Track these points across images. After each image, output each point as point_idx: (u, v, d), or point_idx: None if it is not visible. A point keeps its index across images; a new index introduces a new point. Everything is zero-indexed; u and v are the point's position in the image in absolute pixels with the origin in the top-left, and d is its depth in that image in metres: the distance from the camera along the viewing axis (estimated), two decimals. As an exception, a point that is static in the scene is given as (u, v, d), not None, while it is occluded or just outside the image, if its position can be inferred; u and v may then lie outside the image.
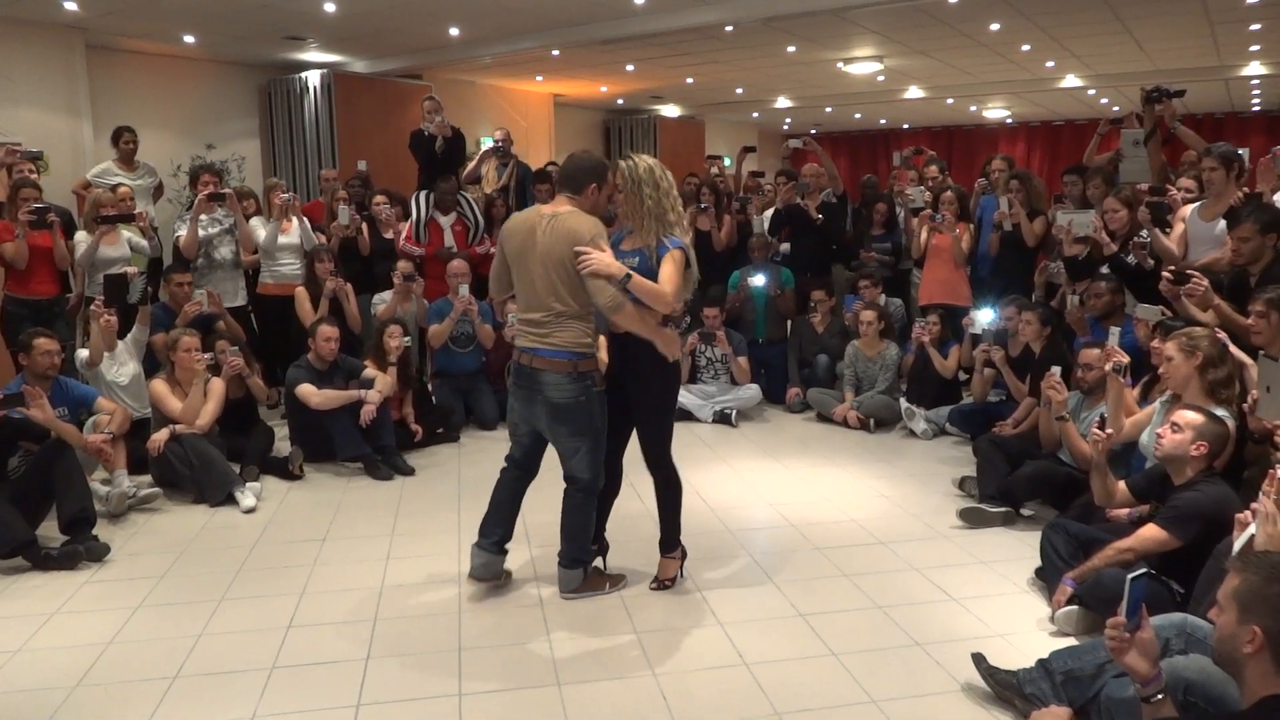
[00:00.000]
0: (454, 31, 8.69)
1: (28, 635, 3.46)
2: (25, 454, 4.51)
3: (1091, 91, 12.58)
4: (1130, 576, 2.23)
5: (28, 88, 7.69)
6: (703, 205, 7.40)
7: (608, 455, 3.70)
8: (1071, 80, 11.76)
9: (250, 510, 4.82)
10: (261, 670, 3.18)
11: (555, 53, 9.42)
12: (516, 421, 3.67)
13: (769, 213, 7.78)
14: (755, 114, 15.82)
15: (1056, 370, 4.28)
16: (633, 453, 3.77)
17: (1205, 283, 4.05)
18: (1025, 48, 9.77)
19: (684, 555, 3.88)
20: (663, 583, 3.81)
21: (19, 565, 4.05)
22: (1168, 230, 5.00)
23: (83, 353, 5.36)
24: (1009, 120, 16.46)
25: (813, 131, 17.57)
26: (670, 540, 3.82)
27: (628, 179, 3.49)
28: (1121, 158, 6.48)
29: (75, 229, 6.26)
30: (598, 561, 3.87)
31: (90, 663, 3.25)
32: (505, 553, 3.78)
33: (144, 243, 6.44)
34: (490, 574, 3.74)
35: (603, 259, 3.28)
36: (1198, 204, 4.96)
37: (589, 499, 3.61)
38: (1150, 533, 3.24)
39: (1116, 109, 13.43)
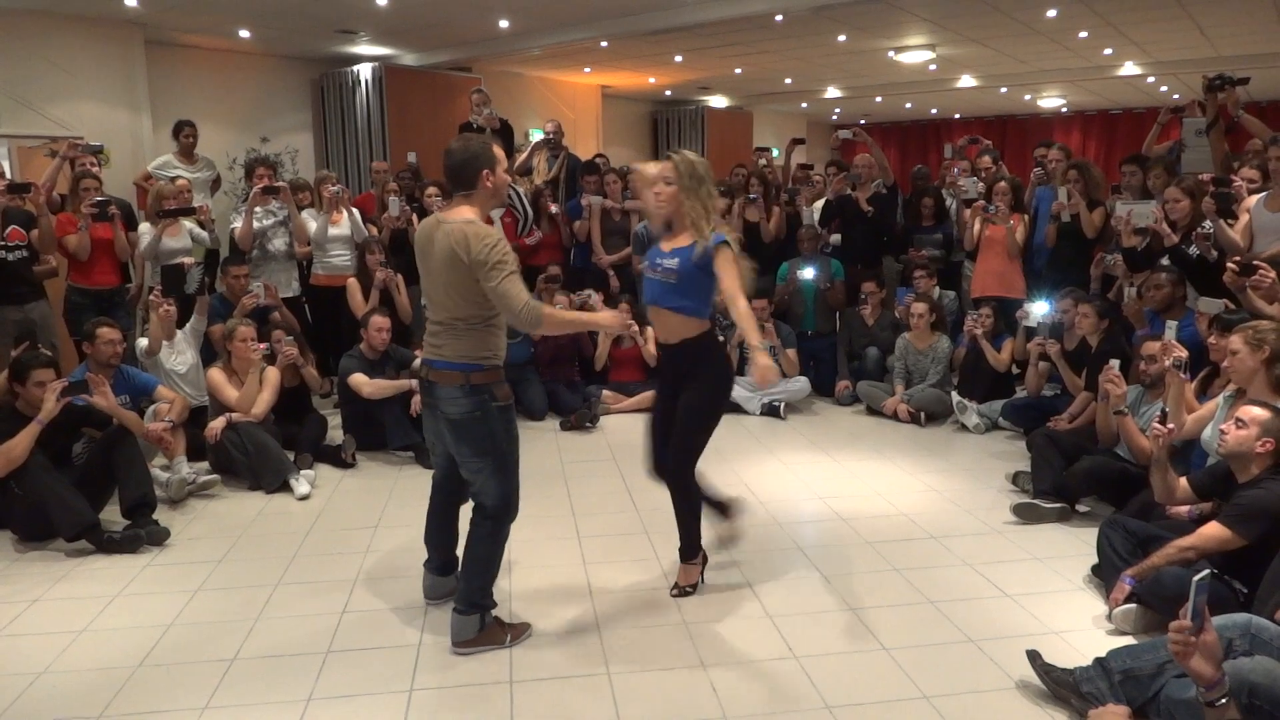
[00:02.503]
0: (504, 24, 8.73)
1: (93, 616, 3.56)
2: (89, 440, 4.63)
3: (1151, 79, 12.27)
4: (1195, 578, 2.18)
5: (89, 82, 7.87)
6: (751, 196, 7.37)
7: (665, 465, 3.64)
8: (1130, 68, 11.47)
9: (304, 497, 4.91)
10: (317, 654, 3.24)
11: (604, 44, 9.41)
12: (432, 440, 3.39)
13: (819, 204, 7.72)
14: (804, 104, 15.69)
15: (1115, 363, 4.18)
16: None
17: (1273, 274, 3.94)
18: (1082, 35, 9.55)
19: (705, 561, 3.75)
20: (683, 589, 3.68)
21: (83, 548, 4.17)
22: (1231, 221, 4.87)
23: (142, 341, 5.49)
24: (1064, 109, 16.13)
25: (861, 122, 17.41)
26: (690, 547, 3.68)
27: (685, 175, 3.38)
28: (1184, 147, 6.32)
29: (136, 221, 6.42)
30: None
31: (152, 643, 3.33)
32: (451, 574, 3.55)
33: (204, 234, 6.56)
34: (437, 595, 3.57)
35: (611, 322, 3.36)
36: (1264, 194, 4.83)
37: (497, 528, 3.25)
38: (1213, 531, 3.17)
39: (1177, 97, 13.10)
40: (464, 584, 3.27)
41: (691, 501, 3.64)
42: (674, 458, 3.54)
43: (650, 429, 3.72)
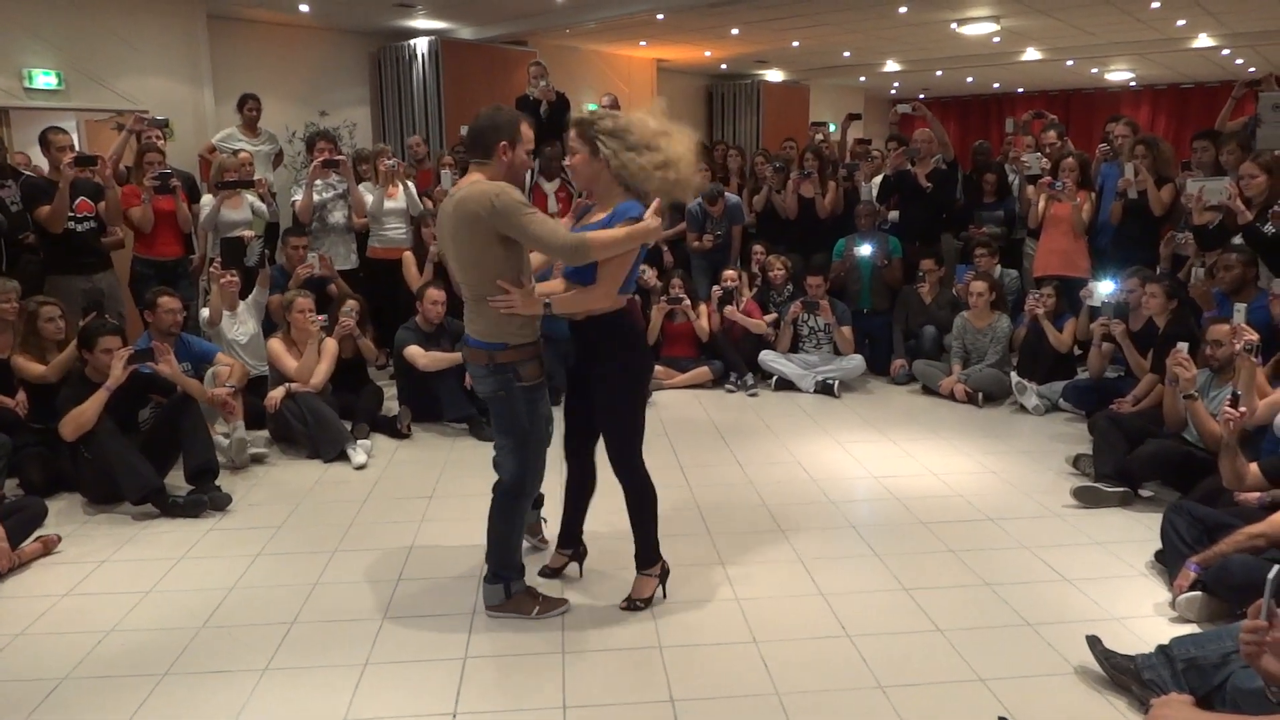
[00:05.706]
0: (559, -4, 8.70)
1: (158, 578, 3.66)
2: (154, 407, 4.75)
3: (1226, 52, 11.83)
4: (1270, 575, 2.09)
5: (154, 57, 8.01)
6: (806, 171, 7.27)
7: (577, 448, 3.46)
8: (1204, 40, 11.08)
9: (361, 467, 4.98)
10: (373, 620, 3.30)
11: (660, 17, 9.33)
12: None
13: (877, 180, 7.60)
14: (862, 78, 15.42)
15: (1183, 346, 4.06)
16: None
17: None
18: (1155, 5, 9.22)
19: (665, 573, 3.41)
20: (634, 602, 3.35)
21: (149, 512, 4.29)
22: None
23: (205, 312, 5.61)
24: (1133, 83, 15.64)
25: (921, 96, 17.06)
26: (646, 556, 3.38)
27: (580, 139, 3.08)
28: (1259, 123, 6.09)
29: (199, 193, 6.54)
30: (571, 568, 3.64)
31: (215, 605, 3.42)
32: (535, 510, 3.72)
33: (264, 207, 6.66)
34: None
35: (517, 303, 2.95)
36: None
37: (510, 503, 3.21)
38: (1285, 518, 3.07)
39: (1253, 70, 12.61)
40: (488, 554, 3.31)
41: (643, 498, 3.33)
42: (612, 455, 3.28)
43: (565, 411, 3.53)
